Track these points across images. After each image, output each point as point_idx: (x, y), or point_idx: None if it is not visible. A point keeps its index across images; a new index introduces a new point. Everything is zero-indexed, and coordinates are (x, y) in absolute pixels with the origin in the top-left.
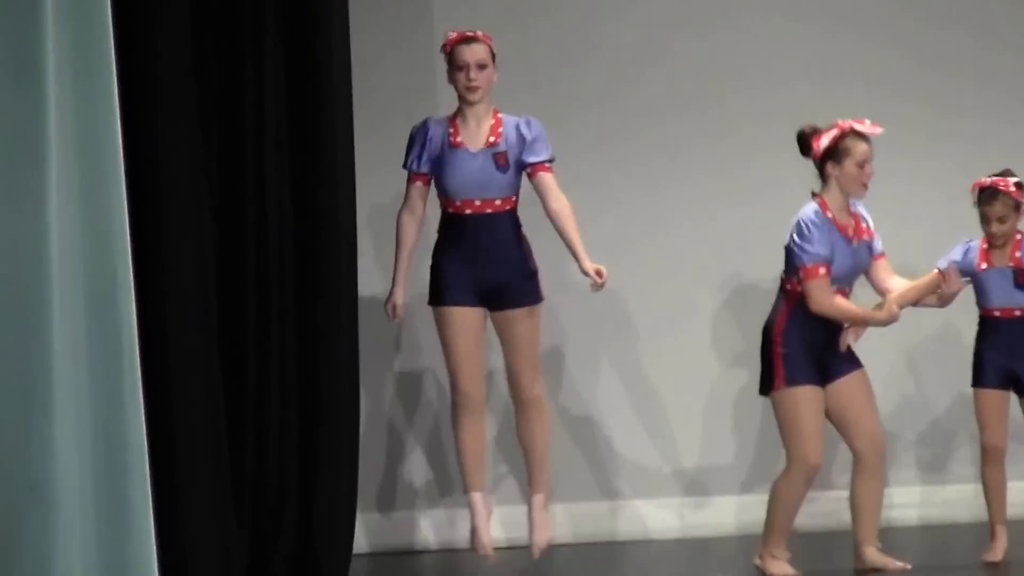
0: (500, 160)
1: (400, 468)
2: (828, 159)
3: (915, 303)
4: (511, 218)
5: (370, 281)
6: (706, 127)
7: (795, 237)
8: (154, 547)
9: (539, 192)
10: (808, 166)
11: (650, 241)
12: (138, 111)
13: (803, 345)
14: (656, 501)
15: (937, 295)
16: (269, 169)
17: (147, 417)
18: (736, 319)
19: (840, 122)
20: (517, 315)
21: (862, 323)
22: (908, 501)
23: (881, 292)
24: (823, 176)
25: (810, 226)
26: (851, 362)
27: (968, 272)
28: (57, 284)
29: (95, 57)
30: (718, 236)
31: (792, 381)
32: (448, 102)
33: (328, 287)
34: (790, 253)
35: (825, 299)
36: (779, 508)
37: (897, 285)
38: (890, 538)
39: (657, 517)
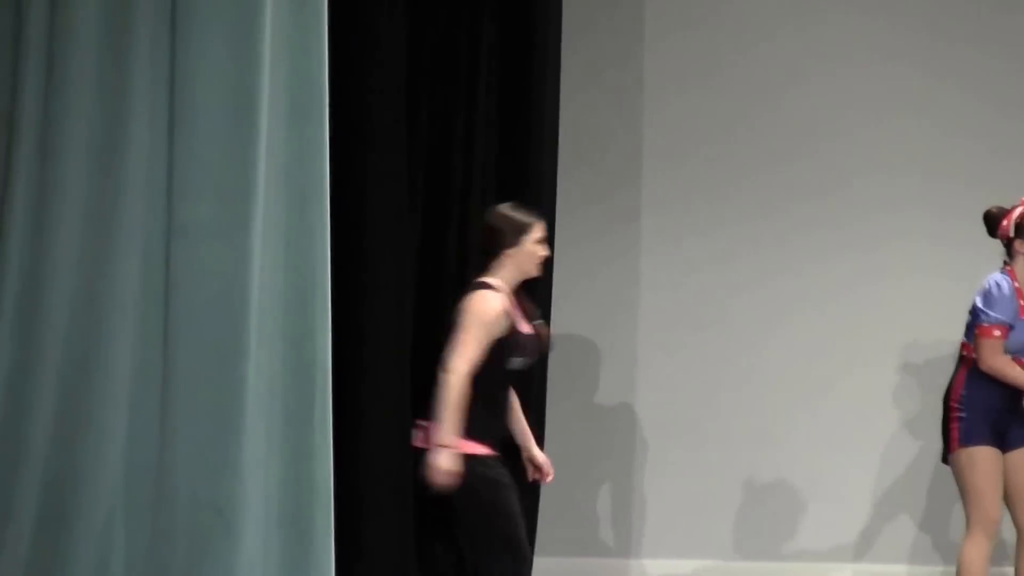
0: None
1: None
2: (1017, 236)
3: None
4: None
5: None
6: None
7: (979, 300)
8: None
9: None
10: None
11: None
12: (349, 152)
13: (981, 409)
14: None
15: None
16: (472, 218)
17: (335, 453)
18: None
19: None
20: None
21: None
22: None
23: None
24: (1010, 254)
25: (996, 290)
26: None
27: None
28: (256, 314)
29: (309, 96)
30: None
31: (967, 442)
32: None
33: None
34: (973, 316)
35: (995, 359)
36: (970, 572)
37: None
38: None
39: None
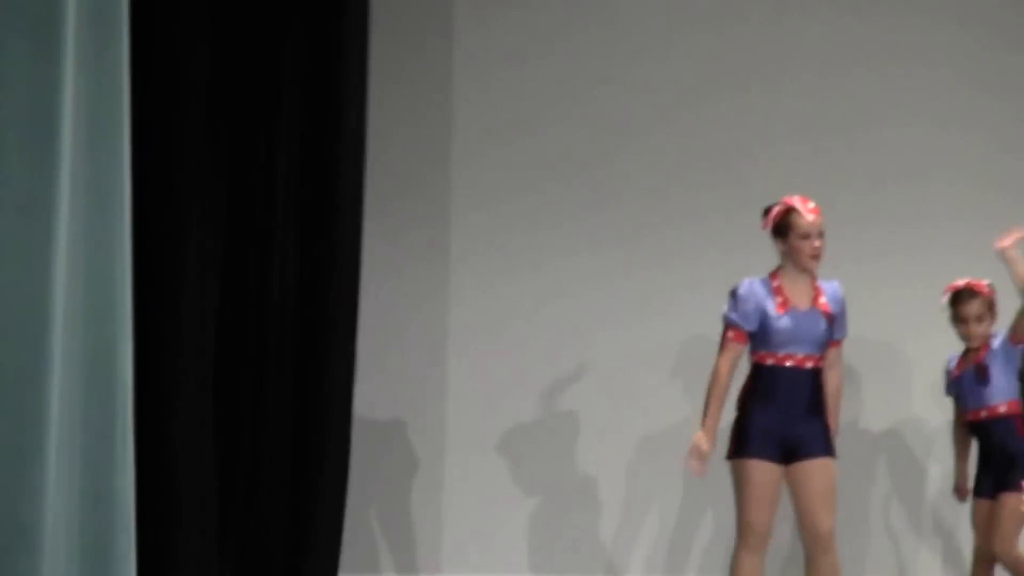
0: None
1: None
2: (776, 236)
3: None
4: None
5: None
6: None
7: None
8: None
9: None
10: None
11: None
12: (151, 167)
13: (760, 417)
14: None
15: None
16: (276, 228)
17: (136, 468)
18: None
19: (786, 199)
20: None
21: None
22: None
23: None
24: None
25: (738, 290)
26: (819, 446)
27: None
28: (59, 332)
29: (110, 111)
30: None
31: (741, 452)
32: (460, 184)
33: (328, 359)
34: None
35: (721, 360)
36: None
37: (830, 385)
38: None
39: None
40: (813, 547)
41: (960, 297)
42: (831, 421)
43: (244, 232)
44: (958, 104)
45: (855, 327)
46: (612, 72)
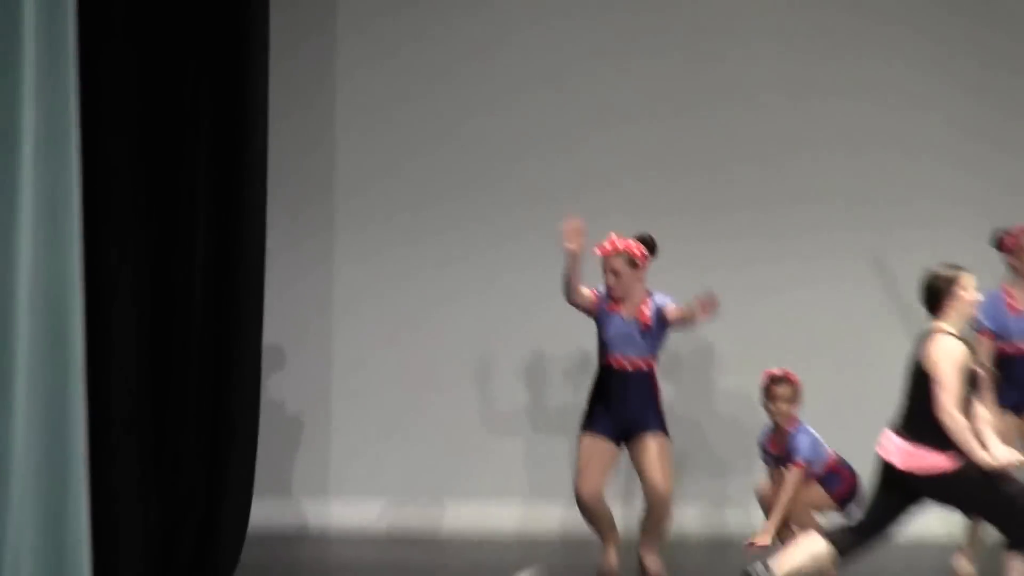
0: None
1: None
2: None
3: None
4: None
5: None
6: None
7: None
8: (87, 526)
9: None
10: None
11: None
12: (96, 195)
13: (597, 397)
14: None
15: None
16: (196, 235)
17: (88, 426)
18: None
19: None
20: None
21: None
22: None
23: None
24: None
25: None
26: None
27: None
28: (25, 313)
29: (63, 129)
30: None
31: (583, 427)
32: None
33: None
34: None
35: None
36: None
37: None
38: None
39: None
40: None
41: (774, 382)
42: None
43: (168, 233)
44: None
45: None
46: (484, 105)
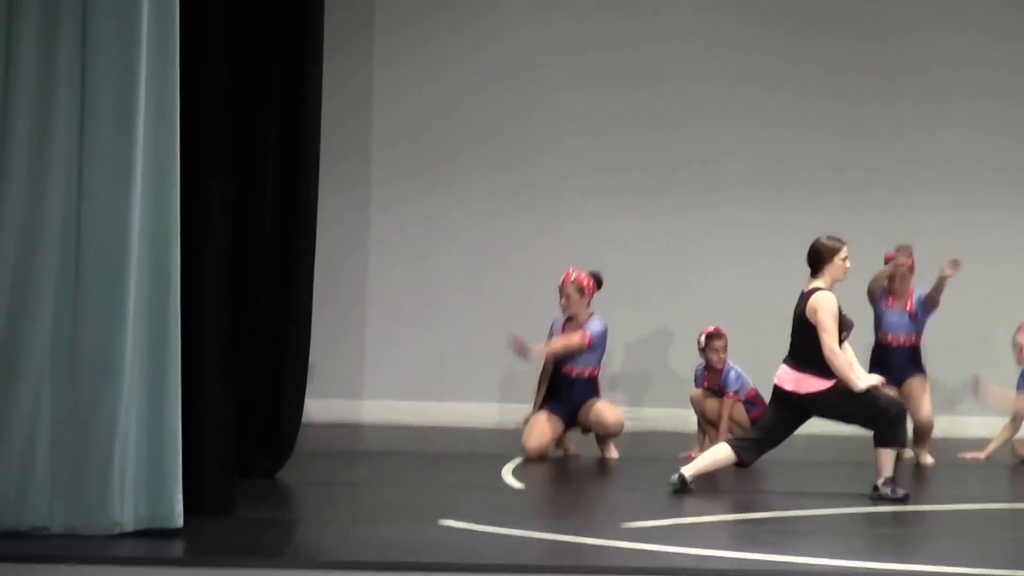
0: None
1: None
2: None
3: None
4: None
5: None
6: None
7: None
8: (179, 410)
9: None
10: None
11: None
12: (192, 153)
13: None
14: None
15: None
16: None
17: (182, 330)
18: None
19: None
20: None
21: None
22: None
23: None
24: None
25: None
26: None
27: None
28: (133, 245)
29: (168, 106)
30: None
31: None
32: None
33: (296, 281)
34: None
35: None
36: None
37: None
38: None
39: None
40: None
41: (711, 337)
42: None
43: (246, 183)
44: None
45: None
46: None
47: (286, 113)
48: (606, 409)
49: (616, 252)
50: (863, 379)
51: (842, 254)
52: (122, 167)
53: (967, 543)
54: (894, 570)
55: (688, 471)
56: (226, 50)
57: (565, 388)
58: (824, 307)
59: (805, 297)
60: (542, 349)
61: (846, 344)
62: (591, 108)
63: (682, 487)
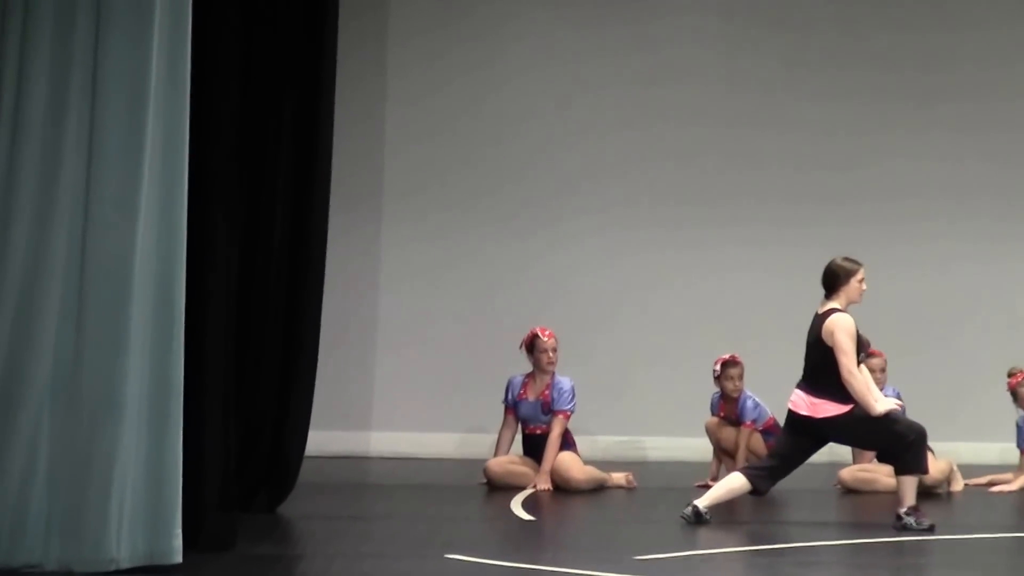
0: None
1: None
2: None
3: None
4: None
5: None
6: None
7: None
8: (180, 443)
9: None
10: None
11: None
12: (200, 186)
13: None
14: None
15: None
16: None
17: (186, 365)
18: None
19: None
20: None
21: None
22: None
23: None
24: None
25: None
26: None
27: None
28: (137, 277)
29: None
30: None
31: None
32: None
33: (303, 309)
34: None
35: None
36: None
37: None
38: None
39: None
40: None
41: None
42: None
43: (255, 207)
44: None
45: None
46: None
47: (297, 138)
48: (573, 465)
49: (630, 271)
50: (881, 403)
51: (859, 275)
52: (129, 198)
53: (977, 572)
54: None
55: (702, 503)
56: (238, 64)
57: (534, 447)
58: (842, 328)
59: (820, 319)
60: (546, 477)
61: (863, 367)
62: (610, 113)
63: (696, 519)
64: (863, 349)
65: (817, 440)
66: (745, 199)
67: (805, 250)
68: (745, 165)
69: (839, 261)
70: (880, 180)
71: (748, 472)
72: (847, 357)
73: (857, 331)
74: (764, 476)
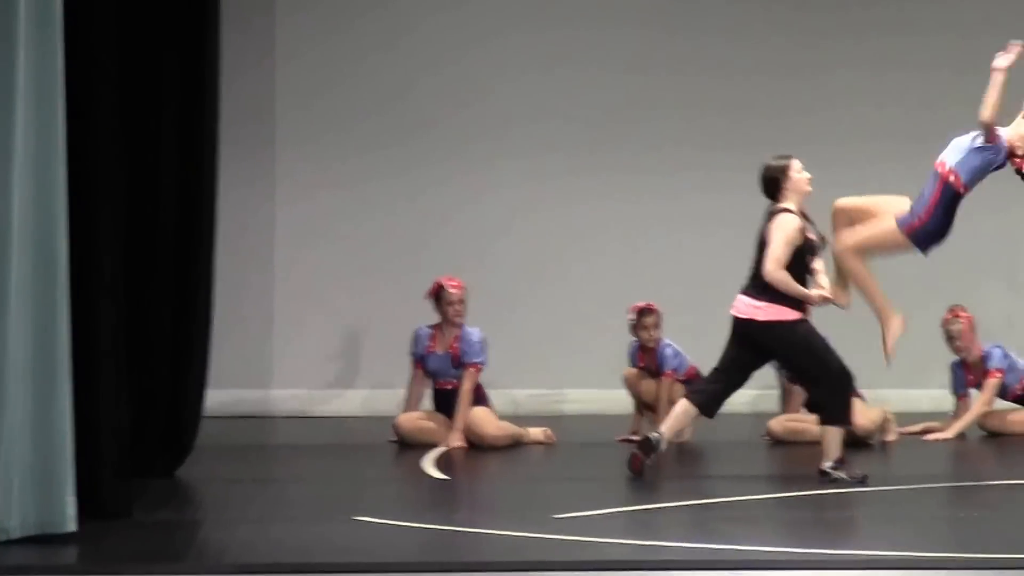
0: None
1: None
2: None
3: None
4: None
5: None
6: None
7: None
8: (70, 407)
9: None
10: None
11: None
12: (79, 141)
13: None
14: None
15: None
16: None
17: (73, 327)
18: None
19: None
20: None
21: None
22: None
23: None
24: None
25: None
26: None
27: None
28: (16, 233)
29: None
30: None
31: None
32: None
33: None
34: None
35: None
36: None
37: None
38: None
39: None
40: None
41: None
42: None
43: (140, 162)
44: None
45: None
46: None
47: (184, 86)
48: (487, 420)
49: (540, 222)
50: (814, 292)
51: (795, 167)
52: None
53: (911, 525)
54: (843, 556)
55: (666, 431)
56: (115, 7)
57: (445, 403)
58: (781, 227)
59: (769, 218)
60: (459, 435)
61: (820, 270)
62: (521, 54)
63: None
64: (811, 251)
65: (758, 352)
66: (665, 147)
67: (724, 197)
68: (665, 112)
69: (769, 162)
70: (807, 125)
71: (692, 397)
72: (773, 250)
73: (804, 232)
74: (709, 397)
